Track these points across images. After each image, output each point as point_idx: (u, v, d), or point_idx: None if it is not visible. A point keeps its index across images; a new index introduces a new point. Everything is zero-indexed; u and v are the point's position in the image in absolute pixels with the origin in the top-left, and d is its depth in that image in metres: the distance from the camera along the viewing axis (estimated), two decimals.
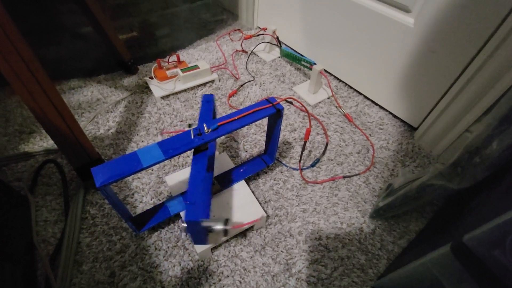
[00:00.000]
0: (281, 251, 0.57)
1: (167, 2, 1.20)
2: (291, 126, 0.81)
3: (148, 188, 0.65)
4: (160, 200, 0.63)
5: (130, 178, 0.67)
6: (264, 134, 0.79)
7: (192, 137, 0.48)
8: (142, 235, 0.58)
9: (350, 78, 0.93)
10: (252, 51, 1.07)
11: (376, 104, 0.88)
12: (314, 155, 0.74)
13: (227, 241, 0.57)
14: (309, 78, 0.95)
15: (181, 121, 0.81)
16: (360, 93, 0.92)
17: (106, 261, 0.54)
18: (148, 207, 0.61)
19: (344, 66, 0.93)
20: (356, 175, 0.70)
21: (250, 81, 0.96)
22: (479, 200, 0.44)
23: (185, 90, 0.91)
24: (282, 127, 0.80)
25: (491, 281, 0.30)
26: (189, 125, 0.52)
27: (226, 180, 0.63)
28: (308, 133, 0.64)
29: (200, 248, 0.53)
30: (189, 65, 0.91)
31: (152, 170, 0.69)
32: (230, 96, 0.89)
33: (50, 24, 0.97)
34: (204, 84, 0.93)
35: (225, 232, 0.44)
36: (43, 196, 0.63)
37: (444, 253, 0.35)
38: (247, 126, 0.80)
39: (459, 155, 0.45)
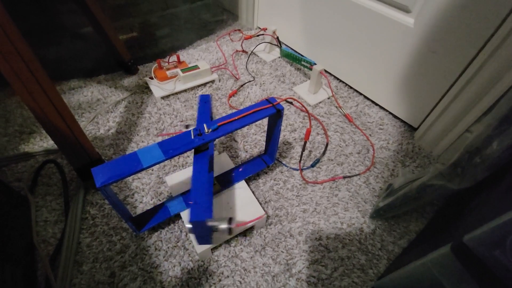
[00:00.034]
0: (281, 251, 0.57)
1: (167, 2, 1.21)
2: (291, 126, 0.81)
3: (148, 188, 0.65)
4: (160, 200, 0.63)
5: (130, 178, 0.67)
6: (264, 134, 0.79)
7: (192, 137, 0.48)
8: (142, 236, 0.58)
9: (350, 78, 0.93)
10: (252, 51, 1.07)
11: (376, 104, 0.88)
12: (314, 155, 0.74)
13: (227, 241, 0.57)
14: (309, 78, 0.95)
15: (181, 121, 0.81)
16: (360, 93, 0.92)
17: (106, 262, 0.54)
18: (148, 207, 0.61)
19: (344, 66, 0.93)
20: (356, 175, 0.70)
21: (250, 81, 0.96)
22: (479, 200, 0.44)
23: (185, 90, 0.91)
24: (282, 127, 0.80)
25: (492, 281, 0.30)
26: (186, 126, 0.52)
27: (226, 180, 0.63)
28: (308, 133, 0.64)
29: (200, 248, 0.53)
30: (189, 65, 0.91)
31: (152, 170, 0.69)
32: (230, 96, 0.89)
33: (50, 24, 0.97)
34: (204, 84, 0.93)
35: (230, 230, 0.45)
36: (43, 196, 0.63)
37: (445, 253, 0.35)
38: (247, 126, 0.80)
39: (459, 155, 0.45)
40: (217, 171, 0.65)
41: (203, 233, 0.44)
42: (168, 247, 0.56)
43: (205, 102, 0.56)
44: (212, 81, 0.94)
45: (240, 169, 0.65)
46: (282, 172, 0.70)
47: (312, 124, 0.82)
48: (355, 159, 0.73)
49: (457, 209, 0.51)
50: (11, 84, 0.45)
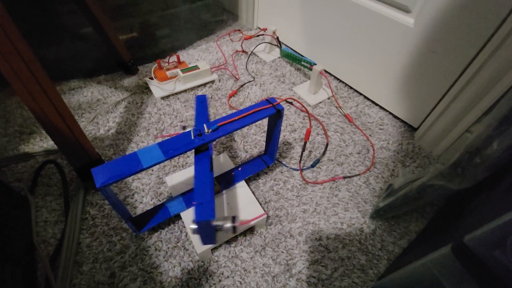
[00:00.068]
0: (282, 251, 0.57)
1: (167, 2, 1.21)
2: (291, 127, 0.81)
3: (148, 188, 0.65)
4: (160, 201, 0.63)
5: (130, 179, 0.67)
6: (264, 134, 0.79)
7: (193, 137, 0.48)
8: (142, 236, 0.58)
9: (350, 79, 0.93)
10: (252, 52, 1.07)
11: (376, 105, 0.88)
12: (314, 155, 0.74)
13: (227, 241, 0.57)
14: (309, 79, 0.95)
15: (181, 122, 0.81)
16: (360, 94, 0.92)
17: (106, 262, 0.54)
18: (148, 208, 0.61)
19: (344, 67, 0.93)
20: (356, 175, 0.70)
21: (250, 81, 0.96)
22: (480, 201, 0.44)
23: (185, 91, 0.91)
24: (282, 128, 0.80)
25: (492, 281, 0.30)
26: (183, 128, 0.52)
27: (226, 181, 0.63)
28: (308, 133, 0.64)
29: (200, 248, 0.53)
30: (189, 66, 0.91)
31: (152, 170, 0.69)
32: (230, 97, 0.89)
33: (51, 24, 0.97)
34: (204, 85, 0.93)
35: (234, 229, 0.46)
36: (43, 197, 0.63)
37: (445, 254, 0.35)
38: (247, 127, 0.80)
39: (460, 156, 0.45)
40: (217, 172, 0.65)
41: (208, 233, 0.44)
42: (168, 248, 0.56)
43: (201, 103, 0.56)
44: (212, 82, 0.94)
45: (240, 170, 0.65)
46: (282, 173, 0.70)
47: (312, 124, 0.82)
48: (355, 159, 0.73)
49: (457, 209, 0.51)
50: (11, 84, 0.45)
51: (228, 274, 0.53)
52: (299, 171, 0.70)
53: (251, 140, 0.77)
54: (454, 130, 0.68)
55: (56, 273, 0.52)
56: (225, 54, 1.06)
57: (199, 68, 0.90)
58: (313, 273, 0.54)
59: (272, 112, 0.53)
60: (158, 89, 0.88)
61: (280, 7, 1.06)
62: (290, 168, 0.71)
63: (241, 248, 0.57)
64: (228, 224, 0.45)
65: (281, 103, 0.54)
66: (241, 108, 0.80)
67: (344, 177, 0.69)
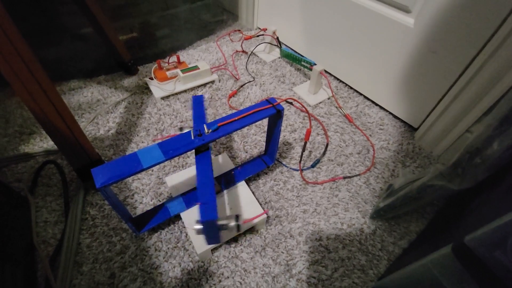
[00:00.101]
0: (282, 252, 0.57)
1: (167, 2, 1.21)
2: (291, 127, 0.81)
3: (148, 189, 0.65)
4: (160, 201, 0.63)
5: (130, 179, 0.67)
6: (264, 134, 0.78)
7: (193, 137, 0.48)
8: (142, 236, 0.58)
9: (350, 79, 0.93)
10: (252, 52, 1.07)
11: (377, 105, 0.88)
12: (314, 155, 0.74)
13: (227, 242, 0.57)
14: (309, 79, 0.95)
15: (181, 122, 0.81)
16: (360, 94, 0.92)
17: (106, 262, 0.54)
18: (148, 208, 0.61)
19: (344, 67, 0.93)
20: (356, 175, 0.70)
21: (250, 81, 0.96)
22: (480, 201, 0.44)
23: (185, 91, 0.91)
24: (282, 128, 0.80)
25: (492, 282, 0.30)
26: (180, 129, 0.52)
27: (226, 181, 0.63)
28: (308, 133, 0.64)
29: (200, 249, 0.53)
30: (189, 66, 0.91)
31: (152, 171, 0.69)
32: (230, 97, 0.89)
33: (51, 24, 0.97)
34: (204, 85, 0.93)
35: (238, 227, 0.47)
36: (43, 197, 0.63)
37: (445, 254, 0.35)
38: (247, 127, 0.80)
39: (460, 156, 0.45)
40: (217, 172, 0.65)
41: (213, 233, 0.45)
42: (168, 248, 0.56)
43: (198, 103, 0.56)
44: (212, 82, 0.94)
45: (240, 170, 0.65)
46: (282, 173, 0.70)
47: (312, 125, 0.82)
48: (355, 159, 0.73)
49: (458, 210, 0.51)
50: (11, 85, 0.45)
51: (228, 275, 0.53)
52: (299, 171, 0.70)
53: (251, 140, 0.77)
54: (454, 130, 0.67)
55: (56, 274, 0.52)
56: (225, 54, 1.06)
57: (199, 68, 0.90)
58: (313, 274, 0.54)
59: (272, 112, 0.53)
60: (158, 89, 0.88)
61: (280, 7, 1.06)
62: (290, 168, 0.71)
63: (241, 249, 0.57)
64: (233, 223, 0.46)
65: (281, 103, 0.54)
66: (241, 108, 0.80)
67: (344, 177, 0.69)
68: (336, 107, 0.87)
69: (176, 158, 0.72)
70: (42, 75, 0.48)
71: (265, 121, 0.82)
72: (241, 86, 0.93)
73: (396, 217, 0.62)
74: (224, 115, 0.83)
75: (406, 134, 0.80)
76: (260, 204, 0.60)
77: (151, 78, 0.90)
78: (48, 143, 0.74)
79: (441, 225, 0.53)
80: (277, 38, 1.02)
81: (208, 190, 0.44)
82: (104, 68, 0.97)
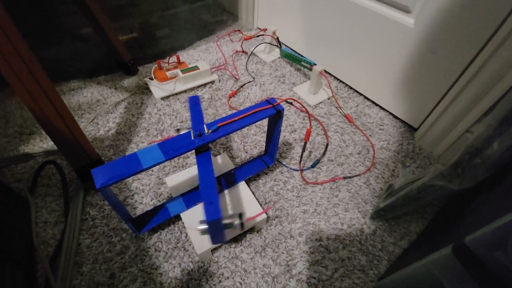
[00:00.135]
0: (282, 252, 0.57)
1: (167, 3, 1.21)
2: (291, 127, 0.81)
3: (148, 189, 0.65)
4: (160, 201, 0.63)
5: (130, 179, 0.67)
6: (264, 135, 0.78)
7: (192, 138, 0.48)
8: (142, 237, 0.58)
9: (350, 79, 0.93)
10: (252, 52, 1.07)
11: (377, 105, 0.88)
12: (314, 155, 0.74)
13: (227, 242, 0.57)
14: (309, 79, 0.95)
15: (181, 122, 0.81)
16: (360, 94, 0.92)
17: (106, 263, 0.54)
18: (148, 208, 0.61)
19: (344, 67, 0.93)
20: (356, 175, 0.70)
21: (250, 82, 0.96)
22: (480, 201, 0.44)
23: (185, 91, 0.91)
24: (282, 128, 0.80)
25: (493, 282, 0.30)
26: (177, 130, 0.52)
27: (226, 181, 0.63)
28: (308, 133, 0.64)
29: (200, 249, 0.53)
30: (189, 66, 0.91)
31: (152, 171, 0.69)
32: (230, 97, 0.89)
33: (51, 25, 0.97)
34: (204, 85, 0.93)
35: (242, 225, 0.47)
36: (43, 197, 0.63)
37: (446, 254, 0.35)
38: (247, 127, 0.80)
39: (460, 156, 0.45)
40: (217, 172, 0.65)
41: (218, 232, 0.45)
42: (168, 248, 0.56)
43: (195, 103, 0.56)
44: (212, 82, 0.94)
45: (240, 170, 0.65)
46: (282, 173, 0.70)
47: (312, 125, 0.82)
48: (355, 159, 0.73)
49: (458, 210, 0.51)
50: (11, 85, 0.45)
51: (228, 275, 0.53)
52: (299, 172, 0.70)
53: (251, 140, 0.77)
54: (454, 130, 0.67)
55: (56, 274, 0.52)
56: (225, 54, 1.06)
57: (199, 69, 0.90)
58: (313, 274, 0.54)
59: (272, 113, 0.53)
60: (158, 89, 0.88)
61: (280, 7, 1.06)
62: (290, 168, 0.71)
63: (241, 249, 0.57)
64: (237, 221, 0.47)
65: (281, 104, 0.54)
66: (241, 108, 0.80)
67: (344, 178, 0.69)
68: (336, 107, 0.87)
69: (176, 159, 0.72)
70: (42, 75, 0.47)
71: (265, 121, 0.82)
72: (241, 86, 0.93)
73: (396, 217, 0.62)
74: (224, 115, 0.83)
75: (406, 134, 0.80)
76: (260, 204, 0.60)
77: (151, 78, 0.90)
78: (48, 144, 0.74)
79: (441, 225, 0.53)
80: (277, 38, 1.02)
81: (211, 190, 0.44)
82: (104, 68, 0.97)
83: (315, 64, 0.86)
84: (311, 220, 0.62)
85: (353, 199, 0.65)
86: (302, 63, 0.93)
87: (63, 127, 0.53)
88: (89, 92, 0.89)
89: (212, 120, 0.51)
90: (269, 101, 0.54)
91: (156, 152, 0.45)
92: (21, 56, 0.44)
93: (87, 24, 0.81)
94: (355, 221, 0.62)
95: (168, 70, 0.90)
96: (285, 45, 1.14)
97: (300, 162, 0.71)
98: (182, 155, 0.72)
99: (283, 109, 0.53)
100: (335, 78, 0.98)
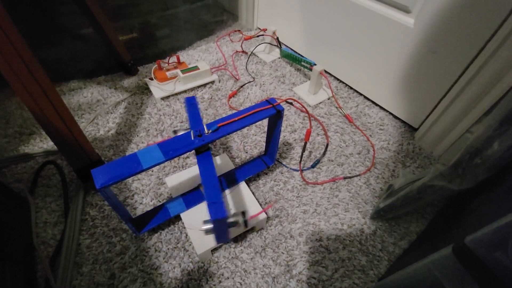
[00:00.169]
0: (282, 252, 0.57)
1: (167, 3, 1.21)
2: (291, 127, 0.81)
3: (148, 189, 0.65)
4: (160, 202, 0.63)
5: (130, 180, 0.67)
6: (264, 135, 0.78)
7: (192, 138, 0.48)
8: (142, 237, 0.58)
9: (350, 79, 0.93)
10: (252, 52, 1.07)
11: (377, 105, 0.88)
12: (314, 156, 0.74)
13: (227, 242, 0.57)
14: (309, 79, 0.95)
15: (181, 122, 0.81)
16: (361, 94, 0.92)
17: (106, 263, 0.54)
18: (148, 209, 0.61)
19: (344, 67, 0.93)
20: (356, 176, 0.70)
21: (250, 82, 0.96)
22: (480, 201, 0.44)
23: (185, 91, 0.91)
24: (282, 128, 0.80)
25: (493, 282, 0.30)
26: (174, 132, 0.52)
27: (227, 181, 0.63)
28: (308, 134, 0.64)
29: (200, 249, 0.53)
30: (189, 66, 0.91)
31: (152, 171, 0.69)
32: (230, 97, 0.89)
33: (51, 25, 0.97)
34: (204, 85, 0.93)
35: (245, 223, 0.48)
36: (43, 198, 0.63)
37: (446, 255, 0.35)
38: (247, 127, 0.80)
39: (460, 156, 0.45)
40: (217, 172, 0.65)
41: (223, 231, 0.45)
42: (168, 249, 0.56)
43: (192, 104, 0.56)
44: (212, 82, 0.94)
45: (240, 170, 0.65)
46: (282, 173, 0.70)
47: (312, 125, 0.82)
48: (355, 159, 0.73)
49: (458, 210, 0.51)
50: (11, 85, 0.45)
51: (228, 275, 0.53)
52: (299, 172, 0.70)
53: (251, 140, 0.77)
54: (454, 130, 0.67)
55: (56, 274, 0.52)
56: (225, 54, 1.06)
57: (199, 69, 0.90)
58: (313, 274, 0.54)
59: (272, 113, 0.52)
60: (158, 89, 0.88)
61: (280, 7, 1.06)
62: (290, 168, 0.71)
63: (241, 249, 0.57)
64: (241, 219, 0.48)
65: (281, 104, 0.54)
66: (241, 108, 0.80)
67: (345, 178, 0.69)
68: (336, 107, 0.87)
69: (176, 159, 0.72)
70: (42, 76, 0.47)
71: (265, 121, 0.82)
72: (241, 86, 0.93)
73: (397, 218, 0.62)
74: (224, 115, 0.83)
75: (406, 135, 0.80)
76: (260, 205, 0.60)
77: (151, 79, 0.90)
78: (48, 144, 0.74)
79: (442, 225, 0.53)
80: (277, 38, 1.02)
81: (214, 189, 0.44)
82: (104, 69, 0.97)
83: (315, 64, 0.86)
84: (311, 220, 0.61)
85: (353, 199, 0.65)
86: (302, 63, 0.93)
87: (63, 127, 0.53)
88: (89, 92, 0.89)
89: (212, 120, 0.51)
90: (269, 101, 0.54)
91: (156, 152, 0.45)
92: (21, 56, 0.44)
93: (87, 24, 0.81)
94: (355, 221, 0.62)
95: (168, 70, 0.90)
96: (285, 45, 1.14)
97: (300, 162, 0.71)
98: (182, 156, 0.72)
99: (283, 109, 0.53)
100: (335, 78, 0.98)
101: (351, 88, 0.94)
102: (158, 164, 0.44)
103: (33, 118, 0.64)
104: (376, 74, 0.83)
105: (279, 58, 1.06)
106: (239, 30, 1.20)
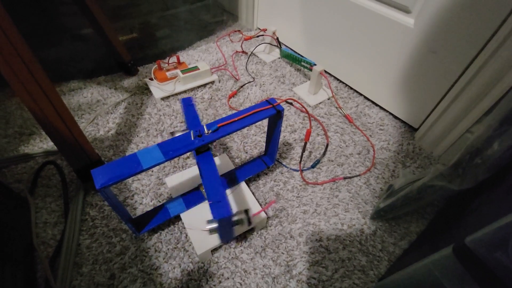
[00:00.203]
0: (282, 252, 0.57)
1: (167, 3, 1.21)
2: (291, 127, 0.81)
3: (148, 189, 0.65)
4: (160, 202, 0.63)
5: (130, 180, 0.67)
6: (264, 135, 0.78)
7: (192, 138, 0.48)
8: (142, 237, 0.58)
9: (350, 79, 0.93)
10: (252, 52, 1.07)
11: (377, 105, 0.88)
12: (314, 156, 0.74)
13: (227, 242, 0.57)
14: (309, 79, 0.95)
15: (181, 122, 0.81)
16: (361, 94, 0.92)
17: (106, 263, 0.54)
18: (148, 209, 0.61)
19: (344, 67, 0.93)
20: (356, 176, 0.70)
21: (250, 82, 0.96)
22: (481, 201, 0.44)
23: (185, 91, 0.91)
24: (282, 128, 0.80)
25: (493, 283, 0.30)
26: (172, 133, 0.52)
27: (227, 181, 0.63)
28: (308, 134, 0.64)
29: (200, 249, 0.53)
30: (189, 66, 0.91)
31: (152, 171, 0.69)
32: (230, 97, 0.89)
33: (51, 25, 0.97)
34: (204, 85, 0.93)
35: (249, 221, 0.48)
36: (43, 198, 0.63)
37: (446, 255, 0.35)
38: (247, 127, 0.80)
39: (460, 156, 0.45)
40: None
41: (227, 229, 0.45)
42: (168, 249, 0.56)
43: (188, 105, 0.56)
44: (212, 82, 0.94)
45: (240, 170, 0.65)
46: (282, 173, 0.70)
47: (312, 125, 0.82)
48: (355, 160, 0.73)
49: (458, 210, 0.51)
50: (11, 85, 0.45)
51: (228, 276, 0.53)
52: (299, 172, 0.70)
53: (251, 140, 0.77)
54: (454, 130, 0.67)
55: (56, 275, 0.52)
56: (225, 54, 1.06)
57: (199, 69, 0.90)
58: (313, 274, 0.54)
59: (272, 113, 0.52)
60: (158, 90, 0.88)
61: (280, 7, 1.06)
62: (290, 168, 0.71)
63: (241, 249, 0.57)
64: (245, 217, 0.48)
65: (281, 104, 0.54)
66: (241, 108, 0.80)
67: (345, 178, 0.69)
68: (336, 108, 0.87)
69: (176, 159, 0.72)
70: (42, 76, 0.47)
71: (265, 122, 0.82)
72: (241, 86, 0.93)
73: (397, 218, 0.62)
74: (224, 115, 0.83)
75: (406, 135, 0.79)
76: (260, 205, 0.60)
77: (151, 79, 0.90)
78: (48, 144, 0.74)
79: (442, 225, 0.53)
80: (277, 38, 1.02)
81: (217, 188, 0.44)
82: (104, 69, 0.97)
83: (315, 64, 0.86)
84: (311, 220, 0.61)
85: (353, 199, 0.65)
86: (302, 63, 0.93)
87: (63, 127, 0.53)
88: (89, 93, 0.89)
89: (212, 121, 0.51)
90: (269, 101, 0.54)
91: (156, 152, 0.45)
92: (21, 56, 0.44)
93: (87, 24, 0.81)
94: (355, 221, 0.62)
95: (168, 70, 0.90)
96: (285, 45, 1.14)
97: (300, 162, 0.71)
98: (182, 156, 0.72)
99: (283, 110, 0.53)
100: (335, 78, 0.98)
101: (351, 88, 0.94)
102: (158, 164, 0.44)
103: (33, 118, 0.64)
104: (376, 74, 0.83)
105: (279, 58, 1.06)
106: (239, 30, 1.20)
